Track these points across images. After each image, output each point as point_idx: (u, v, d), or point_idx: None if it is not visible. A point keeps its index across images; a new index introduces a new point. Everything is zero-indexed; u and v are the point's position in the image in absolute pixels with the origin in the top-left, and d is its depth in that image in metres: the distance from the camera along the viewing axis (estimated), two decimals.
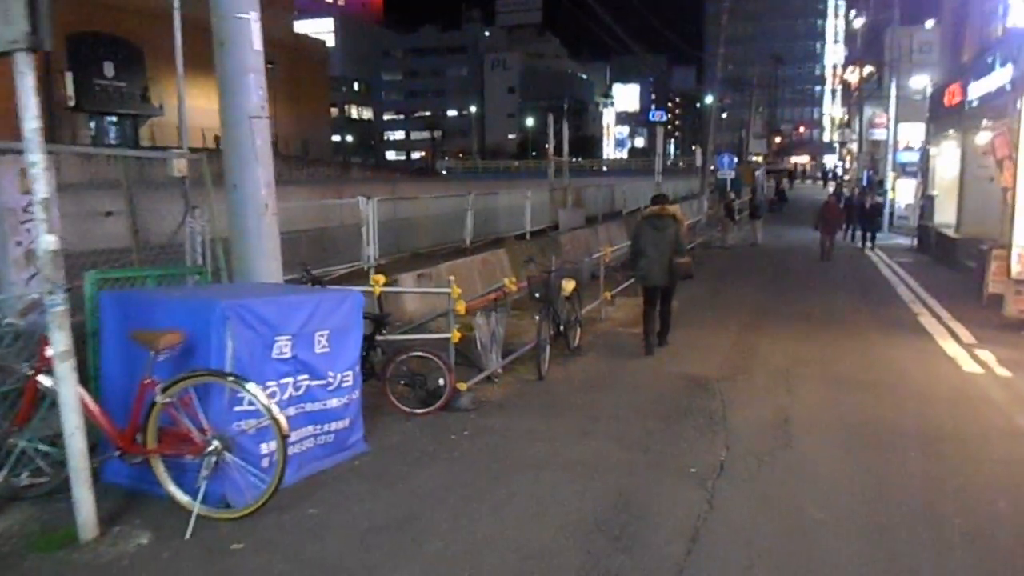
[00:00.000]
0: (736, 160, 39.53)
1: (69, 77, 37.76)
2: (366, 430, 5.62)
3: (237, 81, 5.51)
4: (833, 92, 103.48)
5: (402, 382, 6.30)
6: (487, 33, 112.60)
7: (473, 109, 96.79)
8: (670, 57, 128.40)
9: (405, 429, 5.90)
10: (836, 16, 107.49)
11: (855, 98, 47.41)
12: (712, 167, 35.01)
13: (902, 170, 28.77)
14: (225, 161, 5.61)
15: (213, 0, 5.46)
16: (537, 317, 7.68)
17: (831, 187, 41.10)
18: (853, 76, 51.57)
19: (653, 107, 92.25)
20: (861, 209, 23.49)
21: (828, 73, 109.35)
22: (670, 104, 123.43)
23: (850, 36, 70.76)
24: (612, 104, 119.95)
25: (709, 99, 38.66)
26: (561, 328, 8.39)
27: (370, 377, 6.27)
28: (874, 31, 42.52)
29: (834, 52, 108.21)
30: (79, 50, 38.03)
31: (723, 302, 13.12)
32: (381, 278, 6.55)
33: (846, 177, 49.94)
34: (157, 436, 4.07)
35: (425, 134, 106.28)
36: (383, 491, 4.63)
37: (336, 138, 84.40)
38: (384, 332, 6.29)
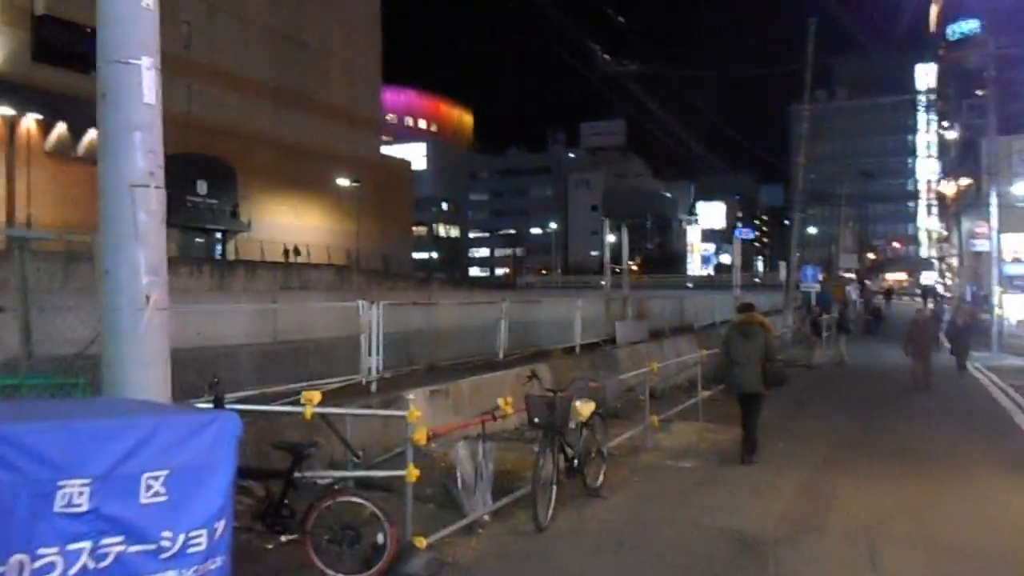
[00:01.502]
0: (824, 275, 37.28)
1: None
2: None
3: (119, 141, 4.35)
4: (928, 206, 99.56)
5: (326, 537, 4.72)
6: (572, 155, 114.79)
7: (553, 226, 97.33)
8: (757, 175, 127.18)
9: None
10: (927, 131, 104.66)
11: (952, 211, 44.72)
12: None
13: (1010, 283, 26.00)
14: (100, 241, 4.39)
15: (98, 43, 4.39)
16: (536, 448, 6.02)
17: (931, 304, 38.05)
18: (949, 188, 48.99)
19: (739, 225, 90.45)
20: (952, 326, 20.90)
21: (922, 187, 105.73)
22: (757, 221, 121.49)
23: (943, 149, 68.23)
24: (696, 221, 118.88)
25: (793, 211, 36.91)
26: (575, 463, 6.68)
27: (285, 529, 4.73)
28: (969, 143, 40.37)
29: (927, 166, 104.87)
30: (174, 169, 39.66)
31: (799, 430, 11.04)
32: (316, 395, 5.08)
33: (947, 293, 46.50)
34: None
35: (508, 251, 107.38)
36: None
37: (423, 255, 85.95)
38: (303, 468, 4.76)
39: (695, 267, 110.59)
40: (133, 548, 3.30)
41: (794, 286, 31.62)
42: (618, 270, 22.37)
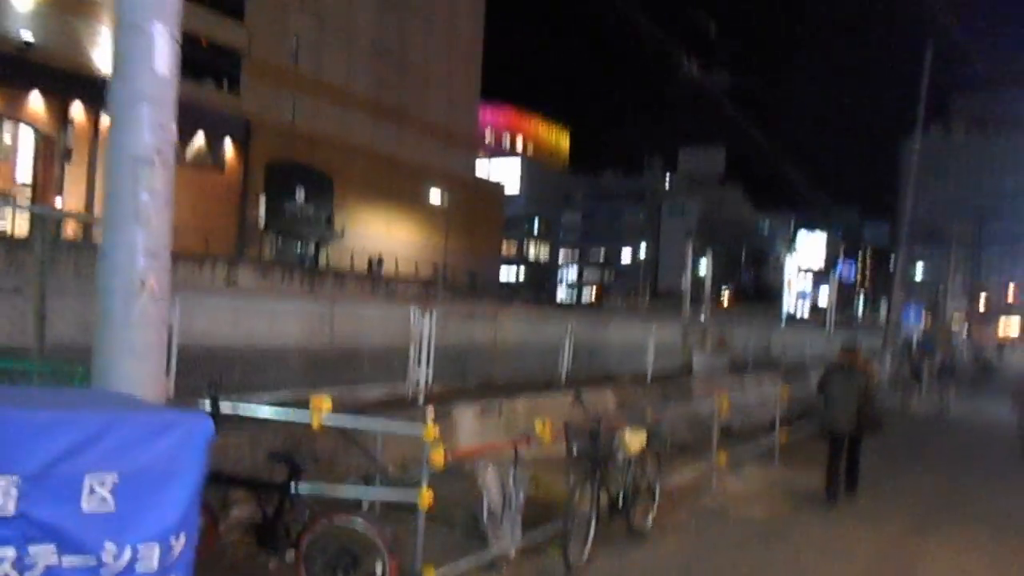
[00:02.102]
0: (930, 319, 35.12)
1: (262, 200, 40.83)
2: None
3: (127, 113, 4.04)
4: None
5: (321, 560, 4.24)
6: (668, 180, 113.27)
7: (644, 249, 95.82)
8: (862, 210, 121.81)
9: None
10: None
11: None
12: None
13: None
14: (103, 219, 4.10)
15: (115, 6, 4.12)
16: (571, 480, 5.42)
17: None
18: None
19: (841, 258, 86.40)
20: None
21: None
22: (860, 260, 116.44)
23: None
24: (795, 253, 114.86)
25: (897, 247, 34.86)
26: (620, 501, 6.02)
27: (277, 547, 4.29)
28: None
29: None
30: (275, 177, 41.15)
31: (887, 486, 9.94)
32: (326, 402, 4.62)
33: None
34: None
35: (597, 274, 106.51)
36: None
37: (511, 274, 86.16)
38: (299, 480, 4.28)
39: (791, 302, 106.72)
40: (67, 560, 2.89)
41: (895, 327, 29.74)
42: (702, 290, 21.45)
